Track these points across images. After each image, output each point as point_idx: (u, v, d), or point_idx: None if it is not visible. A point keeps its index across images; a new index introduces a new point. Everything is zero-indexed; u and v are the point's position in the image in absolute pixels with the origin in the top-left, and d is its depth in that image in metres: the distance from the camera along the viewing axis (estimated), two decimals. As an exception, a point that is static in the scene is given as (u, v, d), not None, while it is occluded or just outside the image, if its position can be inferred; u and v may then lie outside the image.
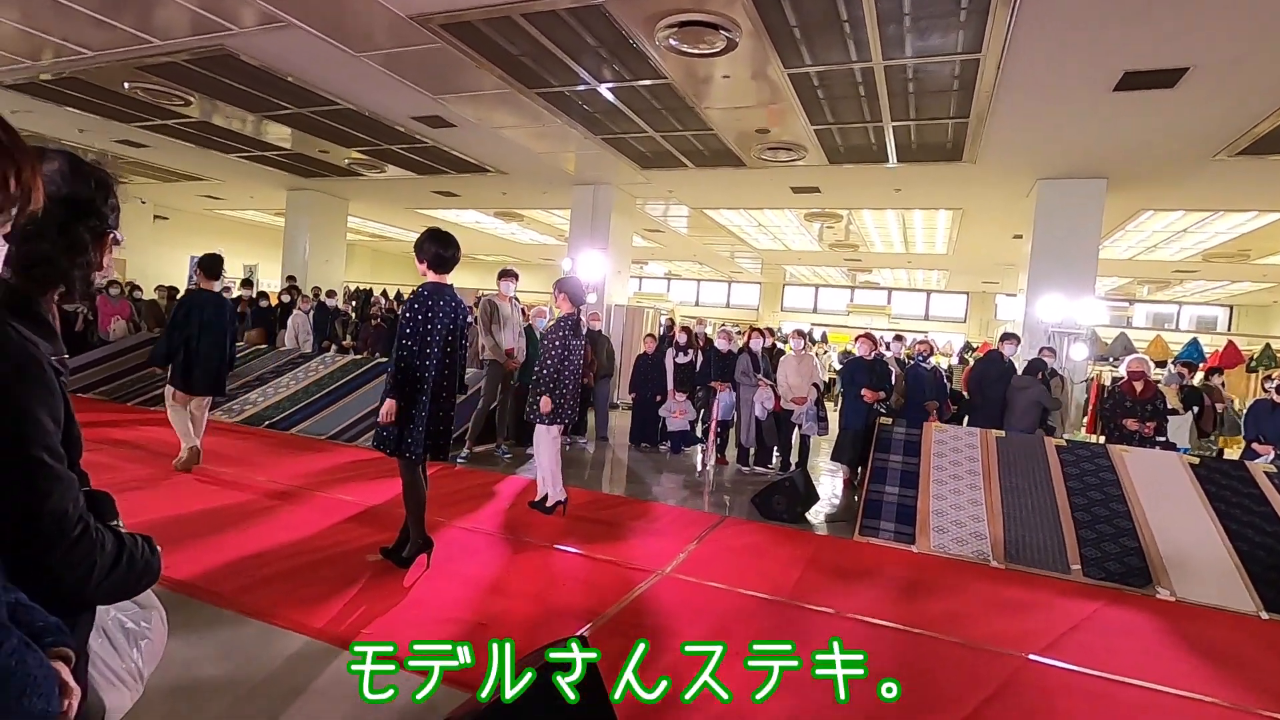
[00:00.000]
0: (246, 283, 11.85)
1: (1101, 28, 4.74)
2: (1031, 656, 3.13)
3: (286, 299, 10.93)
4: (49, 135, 10.15)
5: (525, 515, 4.79)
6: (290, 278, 12.30)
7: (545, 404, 4.56)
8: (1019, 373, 6.88)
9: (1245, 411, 6.33)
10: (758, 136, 7.70)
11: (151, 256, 15.58)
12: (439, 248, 3.46)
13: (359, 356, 8.95)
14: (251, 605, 3.01)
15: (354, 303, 11.99)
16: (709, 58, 5.58)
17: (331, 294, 10.54)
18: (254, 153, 10.43)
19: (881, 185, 9.43)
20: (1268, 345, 10.59)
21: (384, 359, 8.68)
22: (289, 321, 9.72)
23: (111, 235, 1.16)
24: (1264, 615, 3.86)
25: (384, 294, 13.55)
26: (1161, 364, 10.54)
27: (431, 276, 3.47)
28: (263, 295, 10.71)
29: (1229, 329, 18.19)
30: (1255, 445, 5.78)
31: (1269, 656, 3.35)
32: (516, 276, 6.48)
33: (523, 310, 7.09)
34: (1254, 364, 10.33)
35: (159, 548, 1.12)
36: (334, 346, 9.50)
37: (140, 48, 6.35)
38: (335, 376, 7.98)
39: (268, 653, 2.66)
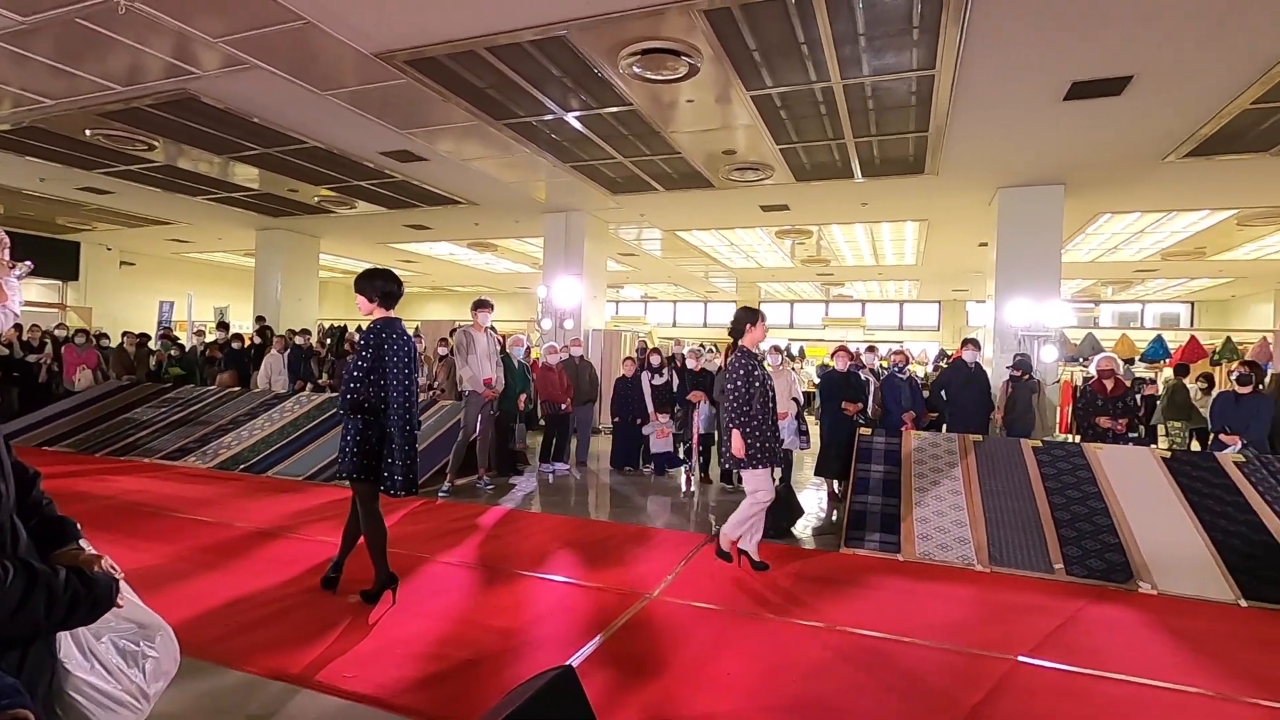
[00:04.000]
0: (222, 325, 11.68)
1: (1047, 40, 4.92)
2: (1020, 658, 3.15)
3: (259, 340, 10.78)
4: (9, 185, 10.02)
5: (509, 546, 4.73)
6: (260, 318, 12.14)
7: (735, 442, 4.17)
8: (1006, 375, 7.08)
9: (1211, 404, 6.48)
10: (725, 158, 7.83)
11: (119, 303, 15.33)
12: (388, 283, 3.57)
13: (335, 395, 8.84)
14: (229, 653, 2.93)
15: (329, 340, 11.87)
16: (672, 83, 5.69)
17: (305, 333, 10.42)
18: (221, 194, 10.37)
19: (848, 200, 9.62)
20: (1228, 339, 10.89)
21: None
22: (263, 362, 9.59)
23: None
24: (1242, 603, 3.93)
25: (359, 330, 13.45)
26: (1130, 361, 10.79)
27: (380, 313, 3.56)
28: (237, 337, 10.55)
29: (1191, 325, 18.70)
30: (1222, 436, 5.91)
31: (1250, 644, 3.41)
32: (491, 306, 6.48)
33: (499, 339, 7.07)
34: (1216, 357, 10.61)
35: (108, 575, 1.14)
36: (309, 385, 9.37)
37: (101, 94, 6.32)
38: (311, 416, 7.87)
39: (247, 702, 2.59)
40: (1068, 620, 3.63)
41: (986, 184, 8.68)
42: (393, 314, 3.60)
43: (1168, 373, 10.44)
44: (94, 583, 1.10)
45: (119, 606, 1.18)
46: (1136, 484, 5.06)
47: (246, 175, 9.28)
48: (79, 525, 1.27)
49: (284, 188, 9.83)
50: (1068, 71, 5.42)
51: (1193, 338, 10.92)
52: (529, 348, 8.30)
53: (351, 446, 3.45)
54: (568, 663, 2.62)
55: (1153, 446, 6.53)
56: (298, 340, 9.96)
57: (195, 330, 12.26)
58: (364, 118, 6.76)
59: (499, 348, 6.78)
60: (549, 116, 6.61)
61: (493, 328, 6.75)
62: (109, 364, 10.11)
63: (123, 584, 1.18)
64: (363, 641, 3.11)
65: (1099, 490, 5.04)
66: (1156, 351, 11.38)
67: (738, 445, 4.18)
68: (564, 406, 7.60)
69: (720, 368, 7.21)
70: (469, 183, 9.27)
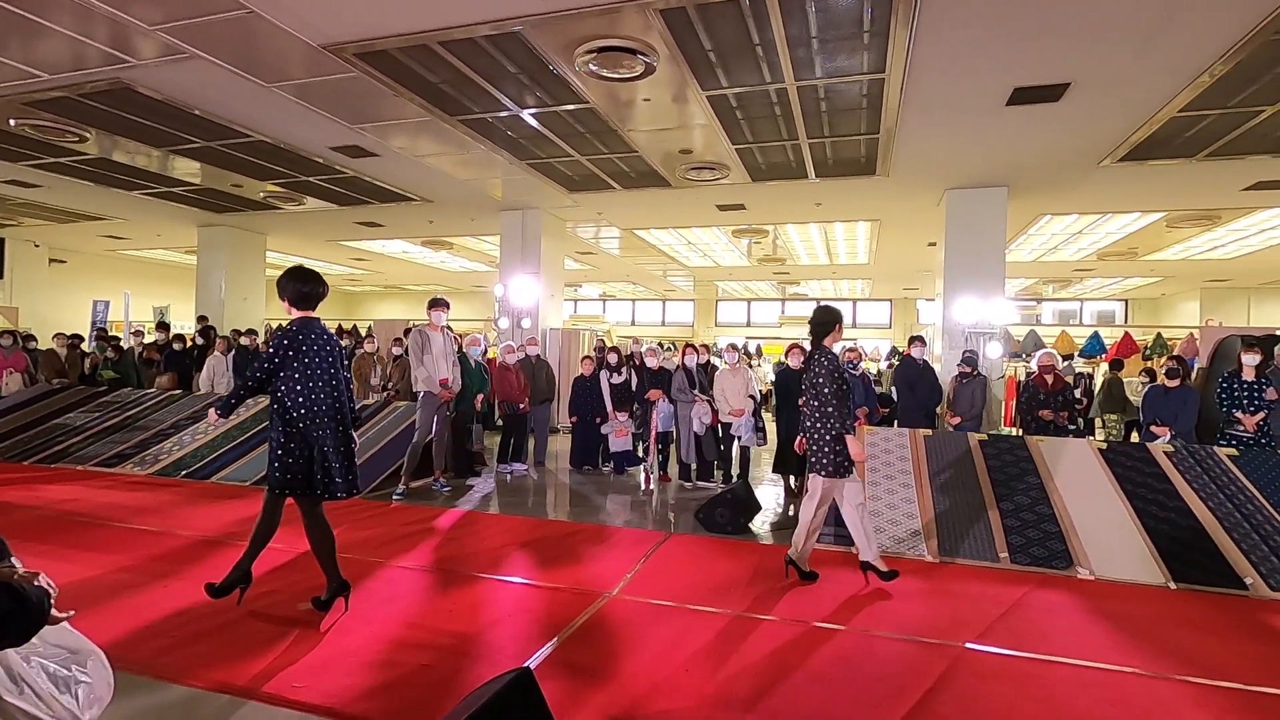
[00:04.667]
0: (162, 325, 11.19)
1: (991, 47, 5.09)
2: (968, 645, 3.26)
3: (201, 341, 10.39)
4: (-75, 177, 9.42)
5: (466, 549, 4.66)
6: (201, 318, 11.69)
7: (854, 448, 3.93)
8: (955, 371, 7.31)
9: (1142, 397, 6.80)
10: (681, 157, 7.87)
11: (48, 303, 14.57)
12: (299, 284, 3.47)
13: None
14: (172, 668, 2.82)
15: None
16: (629, 82, 5.69)
17: (251, 333, 10.08)
18: (160, 189, 9.94)
19: (803, 200, 9.78)
20: (1159, 335, 11.46)
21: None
22: (205, 364, 9.24)
23: None
24: (1172, 586, 4.14)
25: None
26: (1069, 357, 11.24)
27: (297, 313, 3.48)
28: (178, 338, 10.12)
29: (1125, 321, 19.61)
30: (1153, 428, 6.21)
31: (1179, 625, 3.59)
32: (448, 305, 6.38)
33: (456, 339, 6.97)
34: (1148, 352, 11.14)
35: (41, 590, 1.09)
36: (256, 387, 9.06)
37: (27, 82, 5.99)
38: (259, 419, 7.61)
39: (192, 716, 2.49)
40: (1012, 607, 3.76)
41: (934, 185, 8.93)
42: (313, 314, 3.51)
43: (1104, 367, 10.92)
44: (25, 599, 1.05)
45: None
46: (1075, 474, 5.28)
47: (187, 169, 8.92)
48: (5, 541, 1.20)
49: (227, 183, 9.49)
50: (1010, 78, 5.62)
51: (1126, 334, 11.44)
52: (486, 347, 8.20)
53: (275, 460, 3.34)
54: (525, 665, 2.60)
55: (1090, 438, 6.82)
56: (243, 341, 9.63)
57: (133, 331, 11.73)
58: (312, 111, 6.57)
59: (455, 347, 6.68)
60: (505, 113, 6.54)
61: (449, 327, 6.64)
62: (38, 367, 9.59)
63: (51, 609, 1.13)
64: (313, 650, 3.03)
65: (1040, 481, 5.25)
66: (1094, 347, 11.89)
67: (856, 450, 3.91)
68: (521, 406, 7.53)
69: (679, 366, 7.26)
70: (423, 179, 9.11)
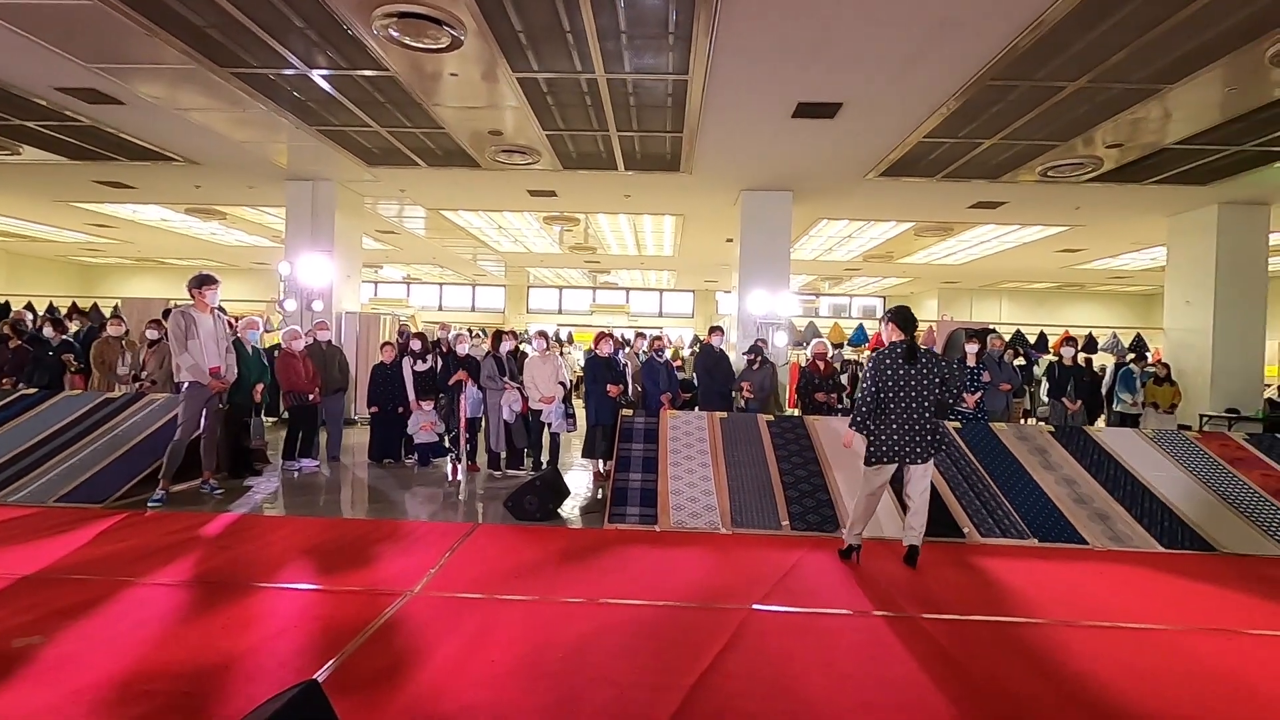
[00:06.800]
0: None
1: (778, 63, 5.58)
2: (755, 606, 3.59)
3: None
4: None
5: (241, 557, 4.17)
6: None
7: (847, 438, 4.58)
8: (736, 358, 7.88)
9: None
10: (491, 138, 7.65)
11: None
12: None
13: (-7, 388, 6.99)
14: None
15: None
16: (434, 53, 5.40)
17: (-58, 310, 8.07)
18: None
19: (613, 191, 10.01)
20: (908, 327, 13.42)
21: (30, 390, 6.91)
22: None
23: None
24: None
25: (29, 308, 10.79)
26: (839, 346, 12.77)
27: None
28: None
29: (884, 315, 22.74)
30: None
31: (916, 571, 4.27)
32: (217, 282, 5.61)
33: (228, 322, 6.15)
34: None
35: None
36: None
37: None
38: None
39: None
40: (791, 569, 4.21)
41: (732, 186, 9.62)
42: None
43: (868, 354, 12.56)
44: None
45: None
46: (841, 448, 6.01)
47: None
48: None
49: (-99, 119, 7.47)
50: (795, 92, 6.21)
51: (884, 326, 13.26)
52: (263, 331, 7.32)
53: None
54: (313, 677, 2.40)
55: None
56: (-70, 320, 7.67)
57: None
58: (28, 40, 5.38)
59: (229, 331, 5.90)
60: (290, 72, 5.88)
61: (221, 309, 5.85)
62: None
63: None
64: (37, 693, 2.52)
65: (816, 455, 5.92)
66: (859, 337, 13.64)
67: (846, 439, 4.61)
68: (311, 397, 6.87)
69: (489, 353, 7.09)
70: (187, 137, 7.90)
